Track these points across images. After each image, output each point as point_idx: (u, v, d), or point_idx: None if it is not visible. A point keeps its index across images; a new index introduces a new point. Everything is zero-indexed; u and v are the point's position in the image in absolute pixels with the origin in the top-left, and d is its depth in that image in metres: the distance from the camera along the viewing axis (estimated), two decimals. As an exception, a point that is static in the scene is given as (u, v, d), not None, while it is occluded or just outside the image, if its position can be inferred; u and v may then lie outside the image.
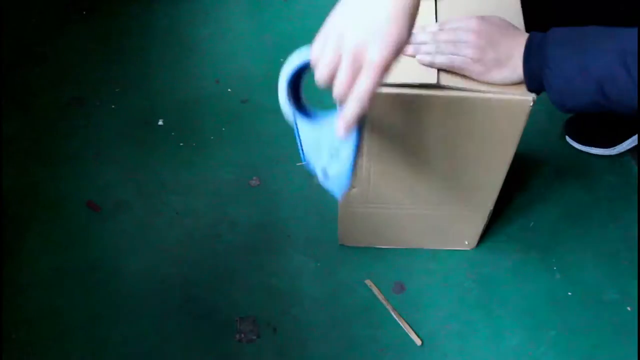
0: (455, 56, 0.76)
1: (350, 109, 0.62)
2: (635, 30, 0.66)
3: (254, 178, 1.21)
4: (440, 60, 0.77)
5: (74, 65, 1.42)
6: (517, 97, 0.77)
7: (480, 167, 0.89)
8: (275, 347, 0.99)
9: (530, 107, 0.78)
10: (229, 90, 1.37)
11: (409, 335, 1.00)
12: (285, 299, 1.05)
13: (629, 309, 1.03)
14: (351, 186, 0.95)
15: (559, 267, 1.08)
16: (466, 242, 1.08)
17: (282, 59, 0.82)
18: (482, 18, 0.77)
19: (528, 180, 1.20)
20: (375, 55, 0.60)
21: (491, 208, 0.98)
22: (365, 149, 0.88)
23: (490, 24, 0.76)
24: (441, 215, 1.01)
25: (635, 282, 1.05)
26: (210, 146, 1.27)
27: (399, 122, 0.83)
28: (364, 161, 0.90)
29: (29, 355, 0.99)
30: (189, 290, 1.06)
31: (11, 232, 1.13)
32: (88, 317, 1.03)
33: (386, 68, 0.61)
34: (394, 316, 1.02)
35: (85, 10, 1.54)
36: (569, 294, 1.05)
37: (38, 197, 1.18)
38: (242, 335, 1.00)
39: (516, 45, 0.74)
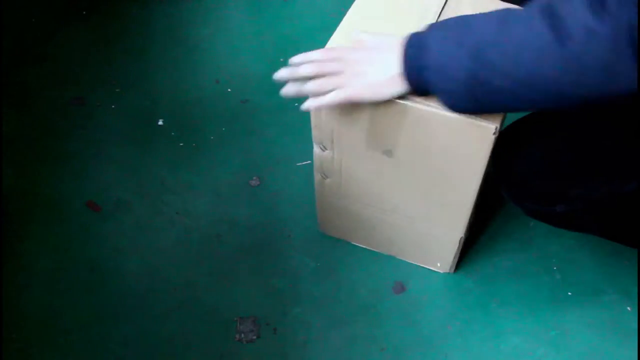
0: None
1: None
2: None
3: (254, 178, 1.21)
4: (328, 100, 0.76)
5: (74, 65, 1.42)
6: (479, 122, 0.74)
7: (447, 187, 0.87)
8: (275, 347, 0.99)
9: (494, 136, 0.75)
10: (229, 90, 1.37)
11: (408, 335, 1.00)
12: (285, 299, 1.05)
13: (629, 309, 1.03)
14: (325, 175, 0.96)
15: (559, 267, 1.08)
16: (438, 264, 1.06)
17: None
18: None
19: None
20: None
21: (462, 236, 0.96)
22: (334, 140, 0.88)
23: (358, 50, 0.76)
24: (411, 229, 0.99)
25: (635, 282, 1.05)
26: (210, 146, 1.27)
27: (364, 120, 0.82)
28: (334, 153, 0.91)
29: (29, 355, 0.99)
30: (189, 290, 1.06)
31: (11, 232, 1.13)
32: (88, 317, 1.03)
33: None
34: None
35: (85, 10, 1.54)
36: (569, 294, 1.05)
37: (38, 197, 1.18)
38: (242, 335, 1.00)
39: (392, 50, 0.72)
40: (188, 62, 1.43)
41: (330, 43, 0.83)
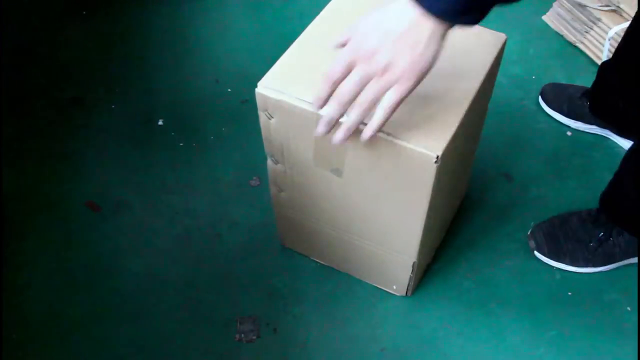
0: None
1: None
2: None
3: (254, 178, 1.21)
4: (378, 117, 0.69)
5: (74, 65, 1.42)
6: (421, 149, 0.73)
7: (395, 213, 0.86)
8: (275, 347, 0.99)
9: (436, 165, 0.73)
10: (229, 90, 1.37)
11: (408, 335, 1.00)
12: (285, 299, 1.05)
13: (628, 309, 1.03)
14: (280, 189, 0.95)
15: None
16: (394, 287, 1.03)
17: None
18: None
19: (528, 179, 1.20)
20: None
21: (415, 261, 0.93)
22: (285, 154, 0.86)
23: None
24: (365, 250, 0.97)
25: (635, 282, 1.05)
26: (210, 146, 1.27)
27: (311, 137, 0.80)
28: (286, 167, 0.89)
29: (29, 355, 0.99)
30: (189, 290, 1.06)
31: (11, 232, 1.13)
32: (88, 317, 1.03)
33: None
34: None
35: (85, 10, 1.54)
36: (569, 294, 1.05)
37: (38, 197, 1.18)
38: (242, 335, 1.00)
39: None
40: (188, 62, 1.43)
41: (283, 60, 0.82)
